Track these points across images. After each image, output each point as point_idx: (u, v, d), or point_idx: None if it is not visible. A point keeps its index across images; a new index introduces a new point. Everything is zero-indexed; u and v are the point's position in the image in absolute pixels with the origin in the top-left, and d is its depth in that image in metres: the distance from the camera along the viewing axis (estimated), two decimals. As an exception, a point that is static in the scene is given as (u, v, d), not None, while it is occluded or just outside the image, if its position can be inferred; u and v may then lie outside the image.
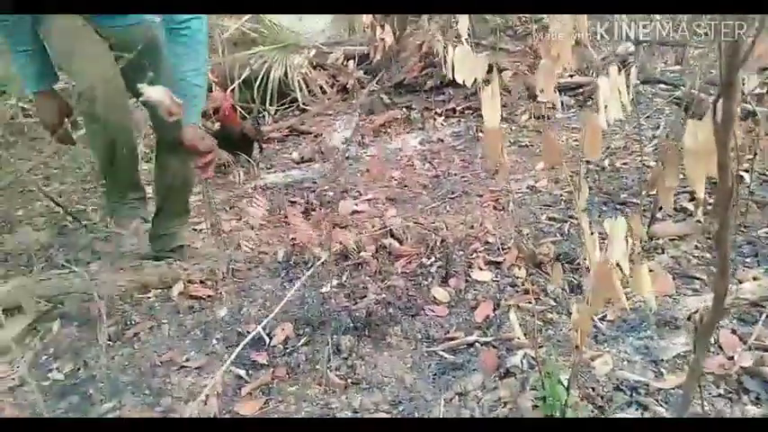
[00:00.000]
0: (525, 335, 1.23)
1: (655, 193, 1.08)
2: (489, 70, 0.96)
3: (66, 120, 1.92)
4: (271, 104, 4.14)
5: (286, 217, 2.50)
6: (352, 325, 1.63)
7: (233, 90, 4.08)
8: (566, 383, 1.14)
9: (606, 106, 0.92)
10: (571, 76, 3.55)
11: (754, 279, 1.51)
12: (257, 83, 4.17)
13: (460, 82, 0.96)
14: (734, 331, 1.35)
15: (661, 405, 1.18)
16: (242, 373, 1.53)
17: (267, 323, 1.69)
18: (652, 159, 2.33)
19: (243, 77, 4.15)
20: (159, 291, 1.98)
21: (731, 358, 1.28)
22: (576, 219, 1.62)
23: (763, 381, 1.22)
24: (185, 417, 1.36)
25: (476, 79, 0.95)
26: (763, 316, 1.36)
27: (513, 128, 3.26)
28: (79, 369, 1.65)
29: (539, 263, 1.71)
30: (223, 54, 4.23)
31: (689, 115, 2.08)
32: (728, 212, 0.73)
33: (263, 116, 3.98)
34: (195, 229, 2.41)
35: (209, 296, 1.93)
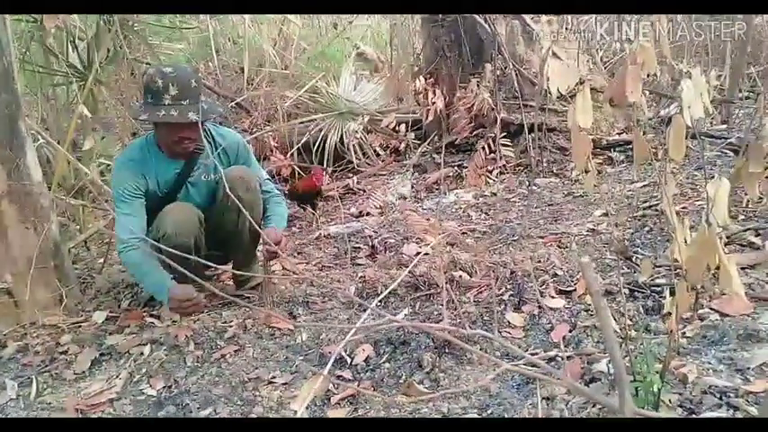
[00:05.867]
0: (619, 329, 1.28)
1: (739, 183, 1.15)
2: (580, 82, 1.10)
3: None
4: (328, 166, 4.39)
5: (353, 259, 2.62)
6: (432, 344, 1.69)
7: (292, 155, 4.37)
8: (657, 381, 1.19)
9: (690, 107, 1.03)
10: (619, 133, 3.68)
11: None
12: (315, 147, 4.46)
13: (554, 91, 1.09)
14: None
15: (752, 405, 1.20)
16: (329, 386, 1.59)
17: (347, 345, 1.78)
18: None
19: (302, 142, 4.43)
20: (240, 321, 2.08)
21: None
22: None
23: None
24: (194, 417, 1.41)
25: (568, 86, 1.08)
26: None
27: (566, 182, 3.38)
28: (170, 386, 1.75)
29: (629, 256, 1.78)
30: (283, 121, 4.55)
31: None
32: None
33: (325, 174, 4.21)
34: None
35: (288, 329, 2.02)
